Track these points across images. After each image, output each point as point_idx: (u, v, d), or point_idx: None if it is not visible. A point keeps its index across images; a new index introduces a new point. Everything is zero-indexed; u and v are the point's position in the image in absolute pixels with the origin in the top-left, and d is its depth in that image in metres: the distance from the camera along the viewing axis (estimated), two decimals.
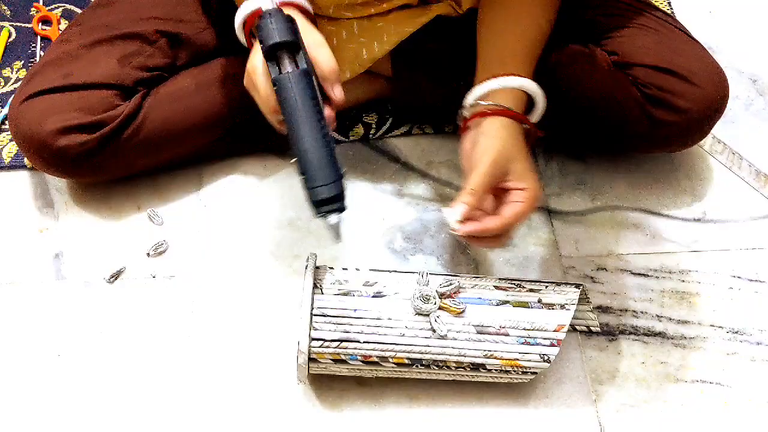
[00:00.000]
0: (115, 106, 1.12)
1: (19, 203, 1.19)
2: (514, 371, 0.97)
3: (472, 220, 0.95)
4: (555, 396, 1.03)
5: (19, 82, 1.31)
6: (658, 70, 1.11)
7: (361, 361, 0.96)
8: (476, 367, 0.97)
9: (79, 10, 1.43)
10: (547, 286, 1.00)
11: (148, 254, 1.14)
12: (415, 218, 1.19)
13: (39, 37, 1.40)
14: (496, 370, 0.97)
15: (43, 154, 1.10)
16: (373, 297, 0.97)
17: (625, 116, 1.13)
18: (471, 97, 1.02)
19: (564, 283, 1.01)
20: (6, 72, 1.35)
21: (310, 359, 0.96)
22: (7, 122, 1.21)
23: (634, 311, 1.11)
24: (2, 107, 1.29)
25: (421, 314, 0.97)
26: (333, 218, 0.90)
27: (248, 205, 1.20)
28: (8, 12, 1.44)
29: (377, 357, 0.96)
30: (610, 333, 1.08)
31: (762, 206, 1.22)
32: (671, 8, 1.45)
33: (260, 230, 1.17)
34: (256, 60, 0.94)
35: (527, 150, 0.99)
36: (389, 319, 0.96)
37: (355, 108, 1.29)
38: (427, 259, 1.15)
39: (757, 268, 1.15)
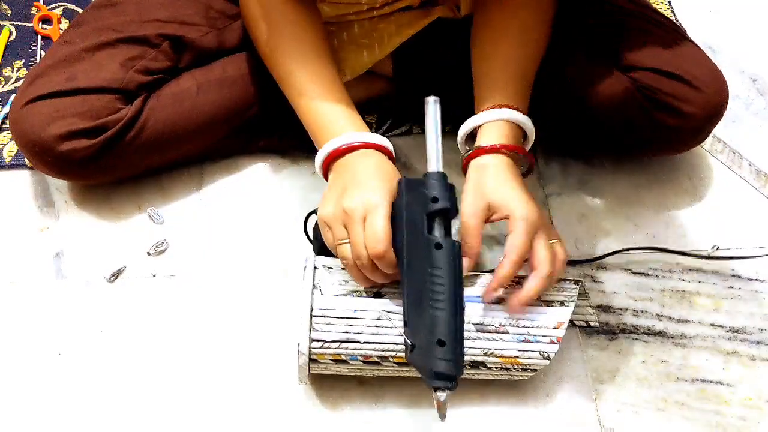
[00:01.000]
0: (118, 110, 1.12)
1: (19, 202, 1.19)
2: (514, 369, 0.97)
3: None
4: (556, 395, 1.03)
5: (20, 82, 1.31)
6: (662, 74, 1.11)
7: (362, 361, 0.96)
8: (476, 365, 0.97)
9: (79, 10, 1.43)
10: None
11: (149, 253, 1.14)
12: None
13: (39, 37, 1.40)
14: (496, 368, 0.97)
15: (46, 159, 1.10)
16: (373, 297, 0.97)
17: (626, 119, 1.13)
18: (461, 131, 1.02)
19: (563, 280, 1.01)
20: (6, 71, 1.35)
21: (311, 360, 0.96)
22: (7, 122, 1.21)
23: (635, 310, 1.11)
24: (2, 106, 1.29)
25: None
26: (443, 395, 0.86)
27: (249, 204, 1.20)
28: (9, 11, 1.44)
29: (378, 357, 0.96)
30: (610, 332, 1.08)
31: (762, 205, 1.22)
32: (671, 8, 1.45)
33: (261, 230, 1.17)
34: (377, 198, 0.91)
35: (516, 177, 0.97)
36: (389, 319, 0.96)
37: (355, 107, 1.29)
38: None
39: (758, 267, 1.15)
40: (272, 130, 1.23)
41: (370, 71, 1.21)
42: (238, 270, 1.13)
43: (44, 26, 1.42)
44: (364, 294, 0.97)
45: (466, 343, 0.95)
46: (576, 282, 1.00)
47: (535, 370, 0.98)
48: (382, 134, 1.26)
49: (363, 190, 0.92)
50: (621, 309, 1.11)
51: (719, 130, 1.21)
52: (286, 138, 1.24)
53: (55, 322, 1.08)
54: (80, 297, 1.11)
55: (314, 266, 0.99)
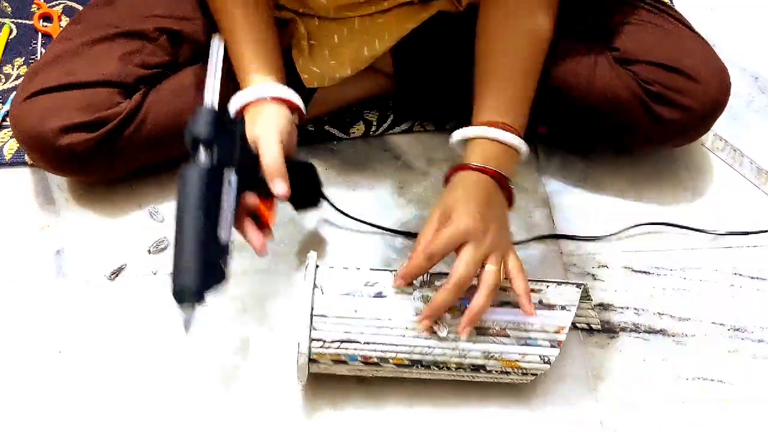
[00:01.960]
0: (117, 104, 1.12)
1: (20, 200, 1.20)
2: (515, 372, 0.97)
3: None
4: (556, 393, 1.03)
5: (20, 79, 1.31)
6: (661, 67, 1.11)
7: (362, 362, 0.96)
8: (476, 368, 0.97)
9: (79, 7, 1.44)
10: (548, 286, 1.00)
11: (149, 251, 1.14)
12: (416, 215, 1.19)
13: (40, 34, 1.40)
14: (496, 371, 0.97)
15: (46, 153, 1.10)
16: (373, 297, 0.97)
17: (627, 113, 1.13)
18: (454, 138, 1.04)
19: (565, 283, 1.01)
20: (7, 69, 1.35)
21: (311, 360, 0.96)
22: (8, 120, 1.21)
23: (636, 308, 1.11)
24: (3, 104, 1.29)
25: None
26: (188, 313, 0.89)
27: None
28: (9, 9, 1.44)
29: (377, 358, 0.96)
30: (611, 330, 1.08)
31: (763, 203, 1.22)
32: (672, 4, 1.45)
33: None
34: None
35: (484, 196, 0.97)
36: (390, 319, 0.96)
37: (356, 105, 1.29)
38: None
39: (758, 266, 1.15)
40: None
41: (370, 67, 1.20)
42: (238, 268, 1.13)
43: (44, 24, 1.42)
44: (365, 294, 0.97)
45: (466, 345, 0.95)
46: (578, 285, 1.00)
47: (535, 375, 0.98)
48: (383, 131, 1.27)
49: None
50: (622, 307, 1.11)
51: (720, 127, 1.21)
52: None
53: (56, 320, 1.08)
54: (81, 295, 1.11)
55: (316, 266, 0.99)
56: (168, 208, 1.18)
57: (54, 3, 1.44)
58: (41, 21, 1.42)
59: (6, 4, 1.44)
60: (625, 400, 1.03)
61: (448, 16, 1.18)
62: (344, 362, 0.96)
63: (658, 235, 1.18)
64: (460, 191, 0.97)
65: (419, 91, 1.24)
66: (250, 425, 1.00)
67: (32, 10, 1.43)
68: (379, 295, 0.97)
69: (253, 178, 0.97)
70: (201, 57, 1.20)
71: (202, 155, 0.90)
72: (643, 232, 1.18)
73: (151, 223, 1.17)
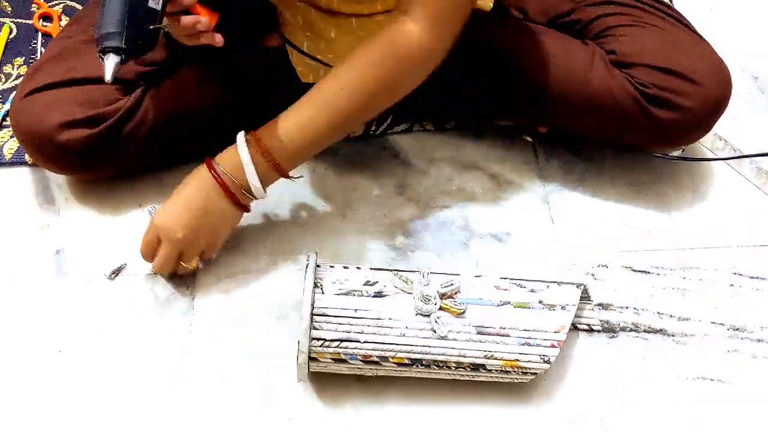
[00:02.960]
0: (117, 100, 1.12)
1: (20, 200, 1.19)
2: (514, 372, 0.97)
3: None
4: (556, 393, 1.03)
5: (20, 79, 1.31)
6: (658, 70, 1.11)
7: (362, 361, 0.96)
8: (476, 367, 0.97)
9: (79, 7, 1.44)
10: (548, 286, 1.00)
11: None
12: (416, 215, 1.19)
13: (40, 34, 1.40)
14: (496, 370, 0.97)
15: (45, 149, 1.10)
16: (373, 297, 0.97)
17: (623, 114, 1.13)
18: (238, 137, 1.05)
19: (565, 283, 1.01)
20: (7, 68, 1.35)
21: (311, 358, 0.96)
22: (8, 119, 1.21)
23: (635, 308, 1.11)
24: (3, 104, 1.29)
25: (421, 315, 0.97)
26: (110, 60, 0.92)
27: None
28: (9, 8, 1.44)
29: (377, 357, 0.96)
30: (611, 330, 1.08)
31: (763, 203, 1.22)
32: (672, 4, 1.45)
33: (261, 227, 1.17)
34: None
35: (189, 192, 1.04)
36: (390, 319, 0.96)
37: None
38: (427, 255, 1.15)
39: (758, 266, 1.15)
40: None
41: None
42: (238, 267, 1.13)
43: (44, 23, 1.42)
44: (365, 294, 0.97)
45: (466, 344, 0.95)
46: (578, 286, 1.00)
47: (535, 374, 0.98)
48: (383, 131, 1.27)
49: None
50: (621, 307, 1.11)
51: (720, 127, 1.21)
52: None
53: (56, 320, 1.08)
54: (81, 294, 1.11)
55: (316, 265, 0.99)
56: None
57: (54, 3, 1.44)
58: (41, 21, 1.42)
59: (6, 4, 1.44)
60: (625, 399, 1.03)
61: None
62: (344, 361, 0.96)
63: (658, 235, 1.18)
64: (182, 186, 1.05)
65: (419, 90, 1.24)
66: (250, 425, 1.00)
67: (32, 9, 1.43)
68: (379, 294, 0.97)
69: None
70: (200, 54, 1.20)
71: None
72: (643, 231, 1.18)
73: None
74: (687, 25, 1.18)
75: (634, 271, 1.14)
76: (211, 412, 1.01)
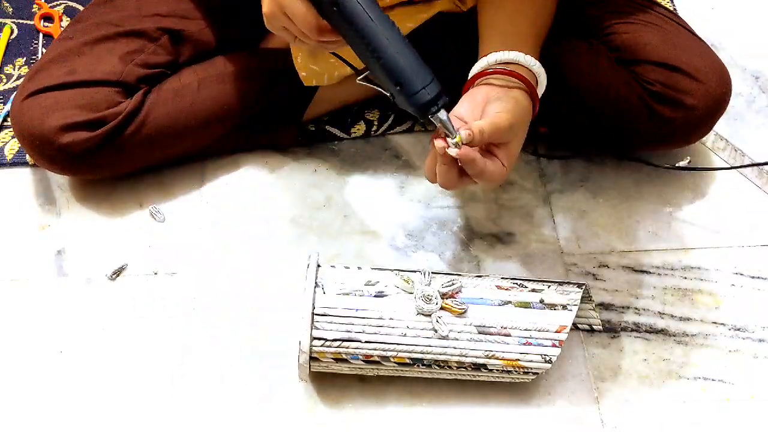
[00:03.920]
0: (118, 103, 1.12)
1: (20, 200, 1.20)
2: (516, 371, 0.97)
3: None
4: (557, 393, 1.03)
5: (21, 80, 1.31)
6: (663, 67, 1.11)
7: (363, 361, 0.96)
8: (477, 367, 0.97)
9: (81, 7, 1.44)
10: (549, 286, 1.00)
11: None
12: (417, 215, 1.19)
13: (41, 34, 1.40)
14: (497, 370, 0.97)
15: (46, 152, 1.10)
16: (375, 296, 0.97)
17: (627, 112, 1.13)
18: (476, 67, 0.99)
19: (567, 283, 1.01)
20: (8, 69, 1.35)
21: (312, 358, 0.96)
22: (9, 120, 1.21)
23: (636, 308, 1.11)
24: (4, 105, 1.29)
25: (423, 314, 0.97)
26: (442, 114, 0.88)
27: (250, 202, 1.20)
28: (10, 9, 1.44)
29: (378, 356, 0.96)
30: (612, 330, 1.08)
31: (764, 203, 1.22)
32: (673, 5, 1.45)
33: (262, 227, 1.17)
34: None
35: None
36: (391, 319, 0.96)
37: (357, 104, 1.29)
38: (428, 256, 1.15)
39: (760, 266, 1.15)
40: (273, 127, 1.23)
41: None
42: (239, 268, 1.13)
43: (45, 24, 1.42)
44: (366, 293, 0.97)
45: (467, 344, 0.95)
46: (579, 285, 1.00)
47: (536, 374, 0.98)
48: (384, 131, 1.27)
49: None
50: (623, 307, 1.10)
51: (721, 127, 1.21)
52: (287, 135, 1.24)
53: (57, 320, 1.08)
54: (81, 295, 1.11)
55: (317, 264, 0.99)
56: (169, 207, 1.18)
57: (55, 3, 1.45)
58: (42, 21, 1.42)
59: (7, 5, 1.44)
60: (626, 399, 1.03)
61: (450, 17, 1.18)
62: (345, 361, 0.96)
63: (659, 235, 1.18)
64: (522, 115, 0.95)
65: None
66: (251, 424, 1.00)
67: (33, 10, 1.43)
68: (380, 294, 0.97)
69: None
70: (203, 57, 1.21)
71: None
72: (644, 231, 1.18)
73: (152, 223, 1.17)
74: (686, 27, 1.18)
75: (636, 271, 1.14)
76: (211, 412, 1.01)
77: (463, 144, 0.89)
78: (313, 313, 0.95)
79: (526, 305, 0.98)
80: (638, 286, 1.13)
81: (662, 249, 1.16)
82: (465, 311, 0.97)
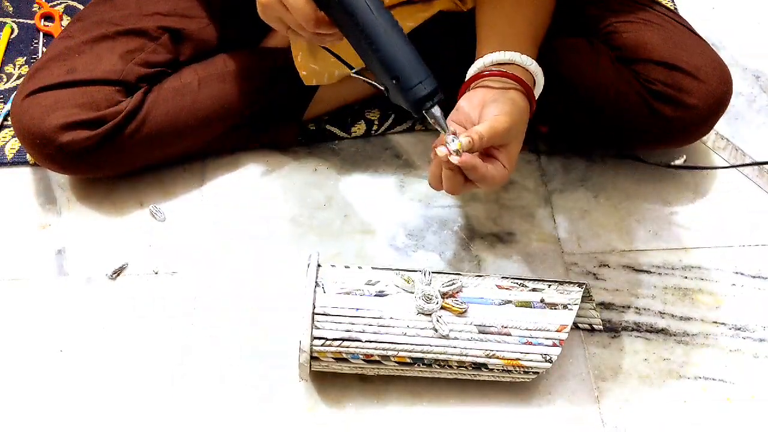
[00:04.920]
0: (118, 102, 1.12)
1: (21, 200, 1.20)
2: (516, 371, 0.97)
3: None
4: (558, 393, 1.03)
5: (21, 79, 1.31)
6: (664, 66, 1.11)
7: (363, 360, 0.96)
8: (478, 366, 0.97)
9: (81, 6, 1.44)
10: (550, 286, 1.00)
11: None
12: (418, 215, 1.19)
13: (41, 34, 1.40)
14: (497, 369, 0.97)
15: (46, 150, 1.10)
16: (375, 296, 0.97)
17: (628, 111, 1.13)
18: (473, 69, 1.00)
19: (567, 282, 1.01)
20: (8, 68, 1.35)
21: (312, 358, 0.96)
22: (9, 119, 1.21)
23: (637, 308, 1.10)
24: (4, 104, 1.29)
25: (423, 314, 0.97)
26: (436, 111, 0.88)
27: (251, 201, 1.20)
28: (11, 8, 1.44)
29: (379, 356, 0.96)
30: (612, 330, 1.08)
31: (764, 202, 1.22)
32: (674, 4, 1.45)
33: (262, 227, 1.17)
34: None
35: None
36: (391, 318, 0.96)
37: (357, 104, 1.29)
38: (429, 255, 1.15)
39: (760, 265, 1.15)
40: (274, 126, 1.23)
41: None
42: (239, 267, 1.13)
43: (46, 23, 1.42)
44: (367, 293, 0.97)
45: (468, 343, 0.95)
46: (580, 285, 1.00)
47: (537, 373, 0.98)
48: (385, 130, 1.27)
49: None
50: (623, 306, 1.10)
51: (722, 126, 1.21)
52: (287, 134, 1.24)
53: (57, 319, 1.08)
54: (82, 294, 1.11)
55: (317, 264, 0.99)
56: (169, 206, 1.18)
57: (55, 2, 1.45)
58: (43, 20, 1.42)
59: (7, 4, 1.44)
60: (627, 399, 1.03)
61: (450, 16, 1.18)
62: (346, 360, 0.96)
63: (659, 234, 1.18)
64: (519, 116, 0.95)
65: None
66: (251, 424, 1.00)
67: (34, 9, 1.43)
68: (380, 293, 0.97)
69: None
70: (203, 56, 1.20)
71: None
72: (645, 231, 1.18)
73: (152, 223, 1.17)
74: (687, 26, 1.18)
75: (636, 270, 1.14)
76: (211, 412, 1.01)
77: (463, 151, 0.89)
78: (313, 313, 0.95)
79: (526, 305, 0.98)
80: (639, 285, 1.13)
81: (663, 248, 1.16)
82: (465, 311, 0.97)
